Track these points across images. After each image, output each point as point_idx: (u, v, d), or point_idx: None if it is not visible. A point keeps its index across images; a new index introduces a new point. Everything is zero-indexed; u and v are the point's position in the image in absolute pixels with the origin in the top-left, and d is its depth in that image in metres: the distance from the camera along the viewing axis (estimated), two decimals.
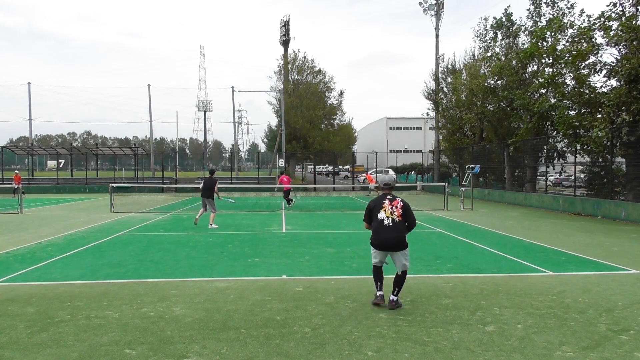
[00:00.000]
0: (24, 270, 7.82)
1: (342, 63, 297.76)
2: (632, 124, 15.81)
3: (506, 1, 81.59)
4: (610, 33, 16.88)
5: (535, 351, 4.29)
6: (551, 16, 21.84)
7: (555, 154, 22.15)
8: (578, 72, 18.30)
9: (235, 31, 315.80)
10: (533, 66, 23.17)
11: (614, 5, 17.25)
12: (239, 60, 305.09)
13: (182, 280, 7.15)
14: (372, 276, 5.88)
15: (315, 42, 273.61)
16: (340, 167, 68.11)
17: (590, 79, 18.47)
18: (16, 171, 30.45)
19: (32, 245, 10.33)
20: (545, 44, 20.45)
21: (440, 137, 34.92)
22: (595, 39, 17.88)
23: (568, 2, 21.47)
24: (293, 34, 74.61)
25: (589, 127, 17.21)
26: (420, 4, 35.52)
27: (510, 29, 24.76)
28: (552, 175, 28.59)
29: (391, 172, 46.38)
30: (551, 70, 20.68)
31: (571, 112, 18.86)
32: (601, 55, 18.05)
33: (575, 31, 19.12)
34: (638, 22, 16.34)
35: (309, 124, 46.15)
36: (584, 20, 18.87)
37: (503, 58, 24.01)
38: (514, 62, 23.02)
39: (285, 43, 48.92)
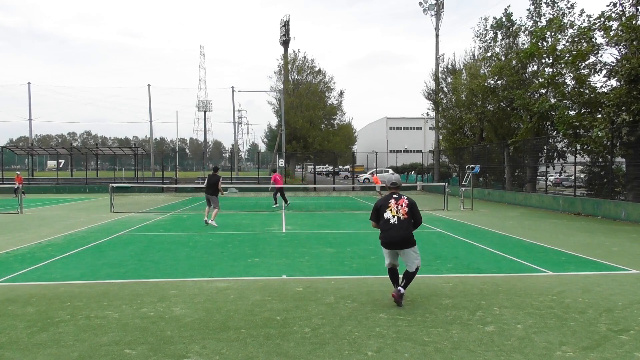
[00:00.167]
0: (24, 270, 7.82)
1: (342, 63, 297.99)
2: (632, 124, 15.81)
3: (506, 1, 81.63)
4: (610, 33, 16.87)
5: (535, 351, 4.29)
6: (551, 16, 21.84)
7: (555, 154, 22.15)
8: (578, 72, 18.30)
9: (235, 31, 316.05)
10: (533, 66, 23.17)
11: (614, 5, 17.25)
12: (239, 60, 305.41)
13: (182, 280, 7.15)
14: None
15: (315, 42, 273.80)
16: (340, 167, 68.13)
17: (590, 79, 18.47)
18: (17, 172, 30.45)
19: (32, 245, 10.33)
20: (545, 44, 20.45)
21: (440, 137, 34.93)
22: (595, 39, 17.89)
23: (568, 2, 21.48)
24: (293, 34, 74.68)
25: (589, 127, 17.21)
26: (420, 4, 35.53)
27: (510, 29, 24.76)
28: (552, 175, 28.60)
29: (391, 171, 46.37)
30: (551, 70, 20.68)
31: (571, 112, 18.86)
32: (601, 55, 18.07)
33: (575, 31, 19.12)
34: (638, 22, 16.33)
35: (309, 124, 46.16)
36: (584, 20, 18.88)
37: (503, 58, 24.02)
38: (514, 62, 23.01)
39: (285, 43, 48.93)
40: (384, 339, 4.59)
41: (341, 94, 50.64)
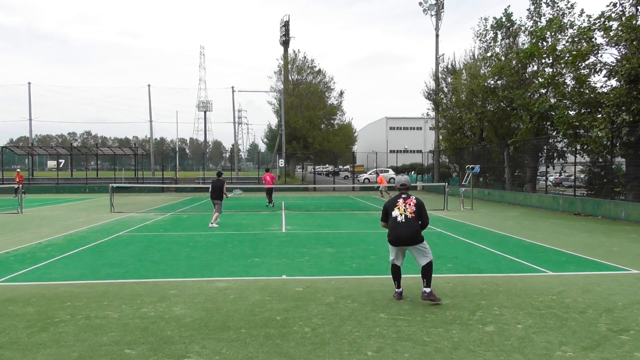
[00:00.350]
0: (24, 270, 7.82)
1: (342, 63, 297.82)
2: (632, 124, 15.81)
3: (506, 1, 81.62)
4: (610, 33, 16.87)
5: (535, 351, 4.29)
6: (551, 16, 21.83)
7: (555, 154, 22.15)
8: (578, 72, 18.30)
9: (235, 31, 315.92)
10: (533, 66, 23.16)
11: (614, 5, 17.25)
12: (239, 60, 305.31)
13: (182, 280, 7.15)
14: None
15: (315, 42, 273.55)
16: (340, 167, 68.14)
17: (590, 79, 18.47)
18: (18, 170, 30.42)
19: (32, 245, 10.33)
20: (545, 44, 20.44)
21: (440, 137, 34.92)
22: (595, 39, 17.88)
23: (568, 2, 21.47)
24: (293, 34, 74.61)
25: (589, 127, 17.20)
26: (420, 4, 35.52)
27: (510, 29, 24.75)
28: (552, 175, 28.59)
29: (391, 171, 46.38)
30: (551, 70, 20.67)
31: (571, 112, 18.86)
32: (601, 55, 18.06)
33: (575, 31, 19.11)
34: (638, 22, 16.33)
35: (309, 124, 46.16)
36: (584, 20, 18.88)
37: (503, 58, 24.01)
38: (514, 62, 23.01)
39: (285, 43, 48.93)
40: (384, 339, 4.59)
41: (341, 94, 50.68)
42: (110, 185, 20.17)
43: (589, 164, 19.58)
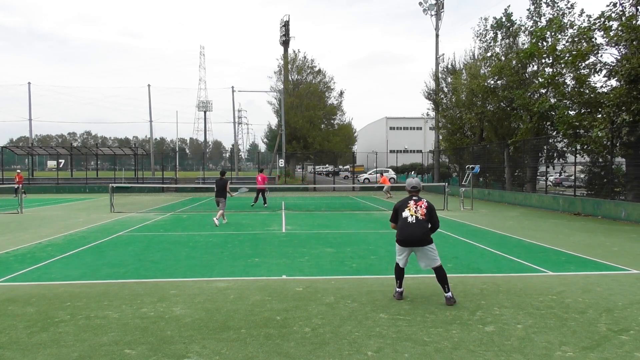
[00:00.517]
0: (24, 270, 7.82)
1: (342, 63, 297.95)
2: (632, 124, 15.80)
3: (506, 1, 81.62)
4: (610, 33, 16.87)
5: (535, 351, 4.29)
6: (551, 16, 21.82)
7: (555, 154, 22.15)
8: (578, 72, 18.30)
9: (235, 31, 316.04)
10: (533, 66, 23.16)
11: (614, 5, 17.24)
12: (239, 60, 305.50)
13: (182, 280, 7.15)
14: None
15: (315, 42, 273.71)
16: (340, 167, 68.12)
17: (590, 79, 18.47)
18: (18, 170, 30.43)
19: (32, 245, 10.33)
20: (545, 44, 20.44)
21: (440, 137, 34.91)
22: (595, 39, 17.88)
23: (568, 2, 21.46)
24: (293, 34, 74.66)
25: (589, 127, 17.20)
26: (420, 4, 35.49)
27: (510, 29, 24.74)
28: (552, 175, 28.59)
29: (391, 172, 46.42)
30: (551, 70, 20.67)
31: (571, 112, 18.85)
32: (601, 55, 18.06)
33: (575, 31, 19.11)
34: (638, 22, 16.33)
35: (309, 124, 46.17)
36: (584, 20, 18.87)
37: (503, 58, 24.00)
38: (514, 62, 23.00)
39: (285, 43, 48.94)
40: (384, 339, 4.59)
41: (341, 94, 50.70)
42: (110, 185, 20.16)
43: (589, 164, 19.58)
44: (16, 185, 24.76)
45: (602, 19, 17.27)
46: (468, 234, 12.21)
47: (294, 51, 49.31)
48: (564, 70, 19.44)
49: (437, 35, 35.27)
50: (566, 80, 19.74)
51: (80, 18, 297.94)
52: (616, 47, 17.46)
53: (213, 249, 9.84)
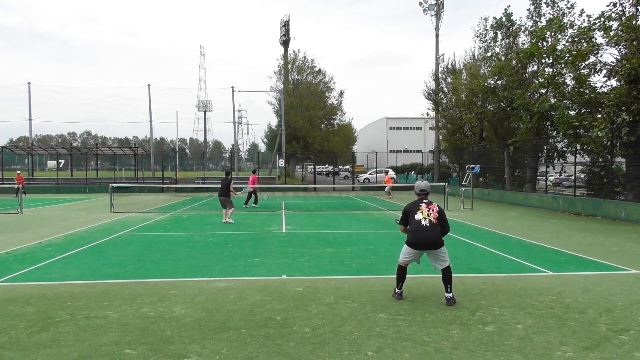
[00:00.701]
0: (24, 270, 7.82)
1: (342, 63, 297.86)
2: (632, 124, 15.80)
3: (506, 1, 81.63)
4: (610, 33, 16.87)
5: (535, 351, 4.29)
6: (551, 16, 21.82)
7: (555, 154, 22.15)
8: (578, 72, 18.29)
9: (235, 31, 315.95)
10: (533, 66, 23.16)
11: (614, 5, 17.24)
12: (239, 60, 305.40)
13: (182, 280, 7.15)
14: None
15: (315, 42, 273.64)
16: (340, 167, 68.11)
17: (590, 79, 18.46)
18: (18, 171, 30.46)
19: (32, 245, 10.33)
20: (545, 44, 20.43)
21: (440, 137, 34.90)
22: (595, 39, 17.88)
23: (568, 2, 21.46)
24: (293, 34, 74.63)
25: (589, 127, 17.20)
26: (420, 4, 35.49)
27: (510, 29, 24.75)
28: (552, 175, 28.59)
29: (391, 172, 46.40)
30: (551, 70, 20.67)
31: (571, 112, 18.85)
32: (601, 55, 18.06)
33: (575, 31, 19.10)
34: (638, 22, 16.33)
35: (309, 124, 46.16)
36: (584, 20, 18.86)
37: (503, 58, 24.00)
38: (514, 62, 23.01)
39: (285, 43, 48.93)
40: (384, 339, 4.59)
41: (341, 94, 50.68)
42: (110, 185, 20.17)
43: (589, 164, 19.58)
44: (17, 186, 24.75)
45: (602, 19, 17.27)
46: (468, 234, 12.21)
47: (294, 51, 49.35)
48: (564, 70, 19.44)
49: (437, 35, 35.27)
50: (566, 80, 19.74)
51: (80, 18, 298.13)
52: (616, 47, 17.46)
53: (213, 249, 9.84)
